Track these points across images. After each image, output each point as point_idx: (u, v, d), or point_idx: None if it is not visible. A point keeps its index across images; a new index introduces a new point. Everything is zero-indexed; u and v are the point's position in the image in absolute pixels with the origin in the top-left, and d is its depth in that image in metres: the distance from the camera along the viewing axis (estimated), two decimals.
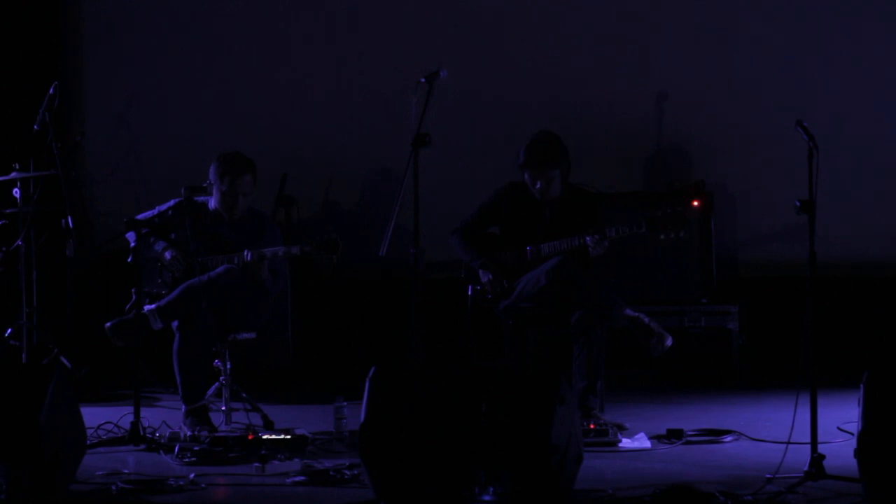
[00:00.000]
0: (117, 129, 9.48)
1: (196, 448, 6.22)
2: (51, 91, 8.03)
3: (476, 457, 5.13)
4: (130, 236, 6.85)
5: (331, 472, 5.72)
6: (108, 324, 6.81)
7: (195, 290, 6.79)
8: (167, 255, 7.04)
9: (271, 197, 8.84)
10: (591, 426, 6.46)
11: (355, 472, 5.69)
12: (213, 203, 7.16)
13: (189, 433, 6.58)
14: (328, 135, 9.35)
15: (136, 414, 6.57)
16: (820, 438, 5.62)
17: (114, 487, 5.55)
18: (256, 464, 5.88)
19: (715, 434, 6.62)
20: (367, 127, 9.24)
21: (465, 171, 8.97)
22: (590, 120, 9.00)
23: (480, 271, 7.20)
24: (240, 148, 7.27)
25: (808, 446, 5.56)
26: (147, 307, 6.83)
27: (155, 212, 7.14)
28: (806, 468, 5.49)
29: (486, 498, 5.13)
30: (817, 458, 5.50)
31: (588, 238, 6.92)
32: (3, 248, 8.23)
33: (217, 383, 7.03)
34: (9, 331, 8.26)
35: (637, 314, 6.91)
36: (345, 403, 6.74)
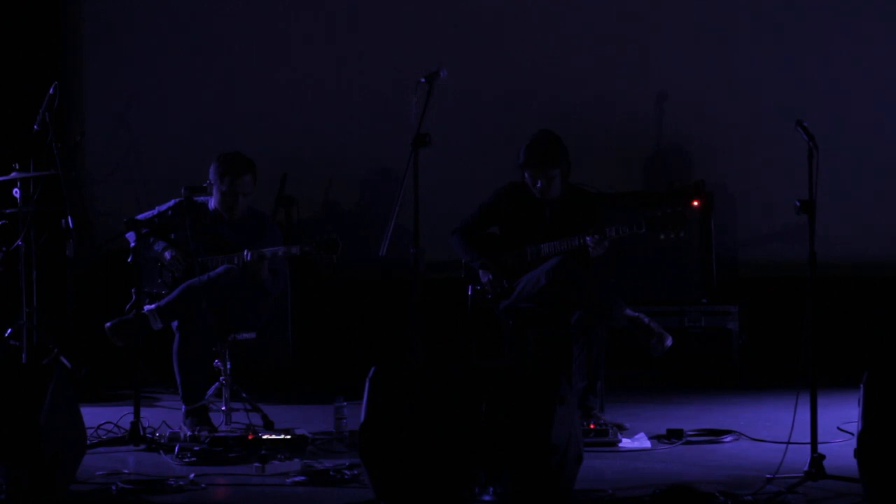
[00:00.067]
0: (117, 129, 9.48)
1: (196, 448, 6.22)
2: (51, 91, 8.03)
3: (476, 457, 5.13)
4: (130, 236, 6.85)
5: (331, 472, 5.72)
6: (108, 324, 6.81)
7: (195, 290, 6.79)
8: (167, 255, 7.05)
9: (271, 197, 8.84)
10: (591, 426, 6.46)
11: (355, 472, 5.69)
12: (212, 203, 7.16)
13: (189, 433, 6.58)
14: (328, 135, 9.35)
15: (136, 414, 6.57)
16: (820, 438, 5.62)
17: (114, 487, 5.55)
18: (256, 464, 5.88)
19: (715, 434, 6.62)
20: (367, 127, 9.24)
21: (465, 171, 8.97)
22: (590, 120, 9.00)
23: (480, 271, 7.20)
24: (240, 148, 7.27)
25: (808, 446, 5.56)
26: (147, 307, 6.83)
27: (155, 212, 7.14)
28: (806, 468, 5.49)
29: (486, 498, 5.13)
30: (817, 458, 5.50)
31: (588, 238, 6.92)
32: (3, 248, 8.23)
33: (217, 383, 7.03)
34: (9, 331, 8.26)
35: (637, 314, 6.91)
36: (345, 403, 6.74)
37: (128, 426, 6.60)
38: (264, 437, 6.44)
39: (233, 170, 7.07)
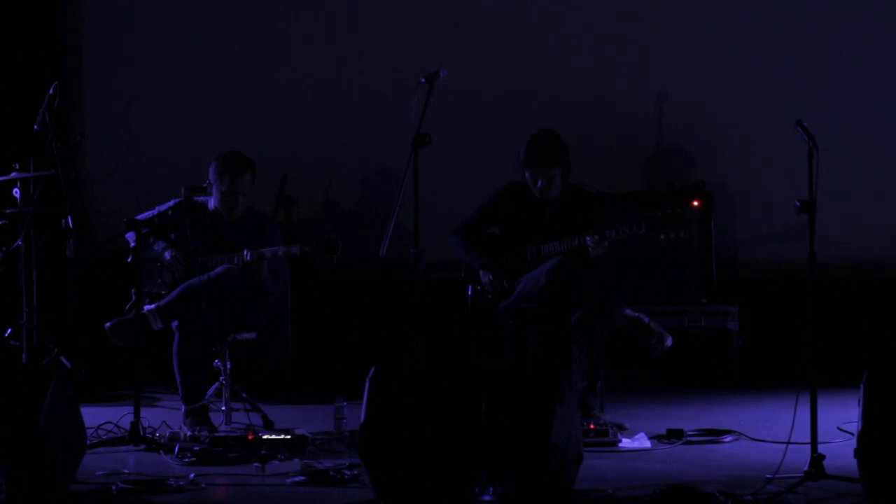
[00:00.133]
0: (117, 129, 9.48)
1: (196, 448, 6.22)
2: (51, 91, 8.03)
3: (476, 457, 5.13)
4: (130, 236, 6.85)
5: (331, 472, 5.72)
6: (107, 324, 6.81)
7: (195, 290, 6.79)
8: (167, 255, 7.05)
9: (271, 197, 8.84)
10: (591, 426, 6.46)
11: (355, 472, 5.69)
12: (212, 203, 7.16)
13: (189, 433, 6.58)
14: (328, 135, 9.35)
15: (136, 414, 6.57)
16: (820, 438, 5.62)
17: (114, 487, 5.55)
18: (256, 464, 5.88)
19: (715, 434, 6.62)
20: (367, 127, 9.24)
21: (465, 171, 8.97)
22: (590, 120, 9.00)
23: (480, 271, 7.20)
24: (240, 148, 7.27)
25: (808, 446, 5.56)
26: (147, 307, 6.82)
27: (155, 212, 7.14)
28: (806, 468, 5.49)
29: (486, 498, 5.13)
30: (817, 458, 5.50)
31: (588, 238, 6.92)
32: (3, 248, 8.23)
33: (217, 383, 7.03)
34: (9, 331, 8.26)
35: (637, 314, 6.91)
36: (345, 403, 6.74)
37: (128, 426, 6.60)
38: (264, 437, 6.44)
39: (233, 169, 7.07)
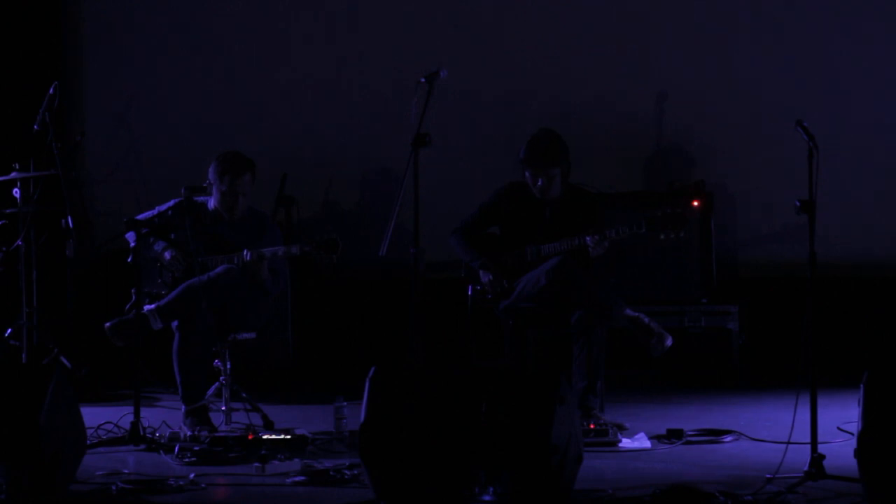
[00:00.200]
0: (117, 129, 9.48)
1: (196, 448, 6.22)
2: (51, 91, 8.03)
3: (476, 457, 5.13)
4: (130, 236, 6.85)
5: (331, 472, 5.72)
6: (107, 324, 6.81)
7: (195, 290, 6.79)
8: (167, 255, 7.05)
9: (271, 197, 8.84)
10: (591, 426, 6.46)
11: (355, 472, 5.69)
12: (212, 203, 7.16)
13: (189, 433, 6.58)
14: (328, 135, 9.35)
15: (136, 414, 6.57)
16: (820, 438, 5.62)
17: (114, 487, 5.55)
18: (256, 464, 5.88)
19: (715, 434, 6.62)
20: (367, 127, 9.24)
21: (465, 171, 8.97)
22: (590, 120, 9.00)
23: (480, 271, 7.20)
24: (240, 148, 7.27)
25: (808, 446, 5.56)
26: (147, 307, 6.82)
27: (155, 212, 7.14)
28: (806, 468, 5.49)
29: (486, 498, 5.13)
30: (817, 458, 5.50)
31: (588, 238, 6.92)
32: (3, 248, 8.23)
33: (217, 383, 7.03)
34: (9, 331, 8.26)
35: (637, 314, 6.90)
36: (345, 403, 6.74)
37: (128, 426, 6.60)
38: (264, 437, 6.44)
39: (232, 169, 7.07)
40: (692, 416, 7.19)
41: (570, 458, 5.17)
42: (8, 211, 8.23)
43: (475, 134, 9.13)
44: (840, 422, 6.51)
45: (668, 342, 6.85)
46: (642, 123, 9.11)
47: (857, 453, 5.03)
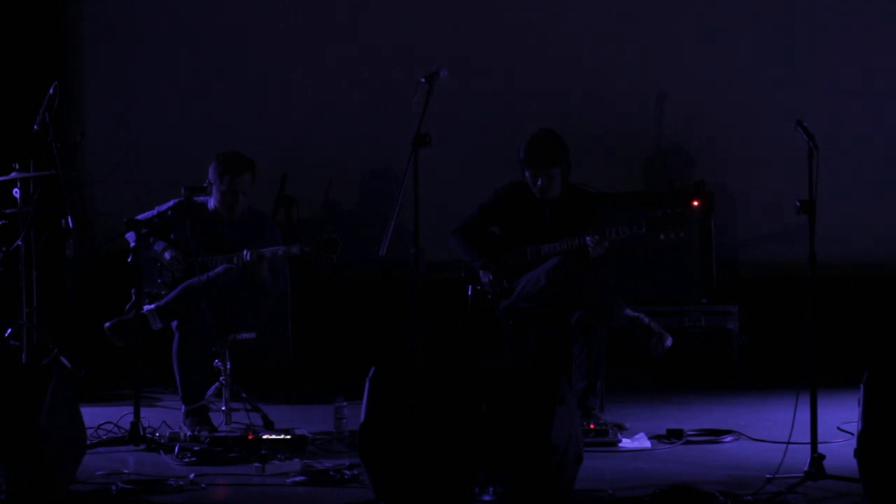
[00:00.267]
0: (117, 129, 9.48)
1: (196, 448, 6.22)
2: (51, 91, 8.04)
3: (476, 457, 5.13)
4: (130, 236, 6.85)
5: (331, 472, 5.72)
6: (107, 324, 6.81)
7: (194, 289, 6.79)
8: (167, 255, 7.05)
9: (271, 197, 8.84)
10: (591, 426, 6.46)
11: (355, 472, 5.69)
12: (212, 203, 7.16)
13: (189, 433, 6.58)
14: (328, 135, 9.35)
15: (136, 414, 6.57)
16: (820, 438, 5.62)
17: (114, 487, 5.55)
18: (256, 464, 5.88)
19: (715, 434, 6.62)
20: (367, 127, 9.24)
21: (465, 171, 8.97)
22: (590, 120, 9.00)
23: (481, 271, 7.20)
24: (240, 148, 7.27)
25: (808, 446, 5.56)
26: (146, 307, 6.82)
27: (154, 212, 7.14)
28: (806, 468, 5.49)
29: (486, 498, 5.13)
30: (817, 458, 5.50)
31: (588, 238, 6.92)
32: (3, 248, 8.23)
33: (217, 383, 7.03)
34: (9, 331, 8.26)
35: (637, 314, 6.90)
36: (345, 403, 6.74)
37: (128, 426, 6.60)
38: (264, 437, 6.44)
39: (232, 168, 7.07)
40: (692, 416, 7.19)
41: (570, 458, 5.17)
42: (8, 211, 8.23)
43: (475, 134, 9.13)
44: (840, 422, 6.51)
45: (668, 342, 6.85)
46: (642, 123, 9.11)
47: (857, 453, 5.03)
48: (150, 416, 7.03)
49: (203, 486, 5.64)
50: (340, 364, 8.86)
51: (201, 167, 7.21)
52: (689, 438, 6.52)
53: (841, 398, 6.66)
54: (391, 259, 6.52)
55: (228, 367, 7.01)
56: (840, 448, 6.05)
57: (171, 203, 7.14)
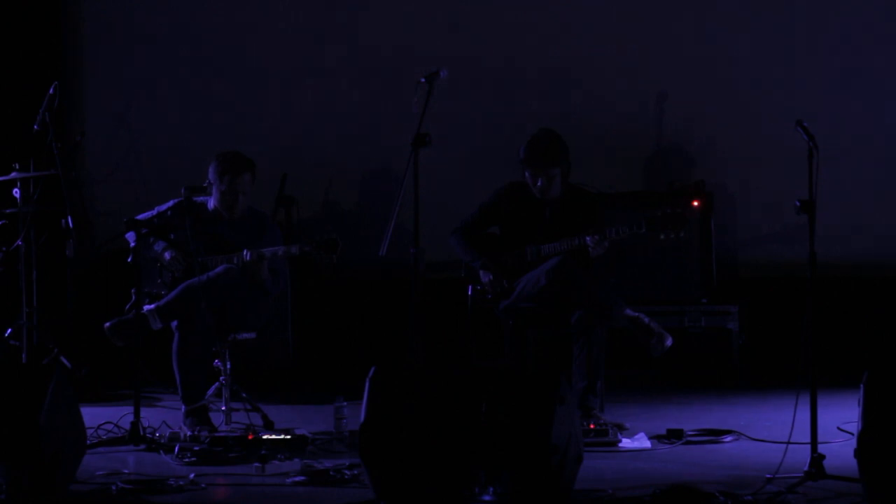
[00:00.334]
0: (117, 129, 9.48)
1: (196, 448, 6.22)
2: (51, 91, 8.03)
3: (476, 457, 5.13)
4: (130, 236, 6.85)
5: (331, 472, 5.72)
6: (107, 324, 6.81)
7: (194, 289, 6.79)
8: (166, 255, 7.04)
9: (271, 197, 8.84)
10: (591, 426, 6.46)
11: (355, 472, 5.69)
12: (212, 203, 7.16)
13: (189, 433, 6.58)
14: (328, 135, 9.35)
15: (136, 414, 6.57)
16: (820, 438, 5.62)
17: (114, 487, 5.55)
18: (256, 464, 5.89)
19: (715, 434, 6.62)
20: (367, 127, 9.24)
21: (465, 171, 8.97)
22: (590, 120, 9.00)
23: (481, 271, 7.20)
24: (240, 148, 7.27)
25: (808, 446, 5.56)
26: (146, 307, 6.82)
27: (154, 212, 7.14)
28: (806, 468, 5.49)
29: (486, 498, 5.13)
30: (817, 458, 5.50)
31: (588, 238, 6.92)
32: (3, 248, 8.23)
33: (217, 383, 7.03)
34: (9, 331, 8.26)
35: (637, 314, 6.90)
36: (345, 403, 6.74)
37: (128, 426, 6.60)
38: (264, 437, 6.44)
39: (232, 168, 7.07)
40: (692, 416, 7.19)
41: (570, 458, 5.17)
42: (8, 211, 8.23)
43: (475, 134, 9.13)
44: (840, 422, 6.51)
45: (668, 342, 6.85)
46: (642, 123, 9.11)
47: (857, 453, 5.03)
48: (150, 416, 7.03)
49: (203, 486, 5.64)
50: (340, 364, 8.86)
51: (201, 167, 7.22)
52: (689, 438, 6.52)
53: (841, 398, 6.66)
54: (391, 259, 6.52)
55: (228, 367, 7.01)
56: (840, 448, 6.05)
57: (171, 203, 7.14)
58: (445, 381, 5.32)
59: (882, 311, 8.67)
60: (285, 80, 9.39)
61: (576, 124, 8.67)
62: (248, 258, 6.92)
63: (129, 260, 6.74)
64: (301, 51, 9.38)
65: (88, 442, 5.97)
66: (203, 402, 6.90)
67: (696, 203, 8.54)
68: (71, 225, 7.96)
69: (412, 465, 5.16)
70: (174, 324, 6.91)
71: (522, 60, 9.14)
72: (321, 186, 9.37)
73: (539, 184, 7.11)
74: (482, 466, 5.13)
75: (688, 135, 9.11)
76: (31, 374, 5.52)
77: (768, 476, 5.48)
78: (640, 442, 6.47)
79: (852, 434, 5.92)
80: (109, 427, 6.78)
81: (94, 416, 6.77)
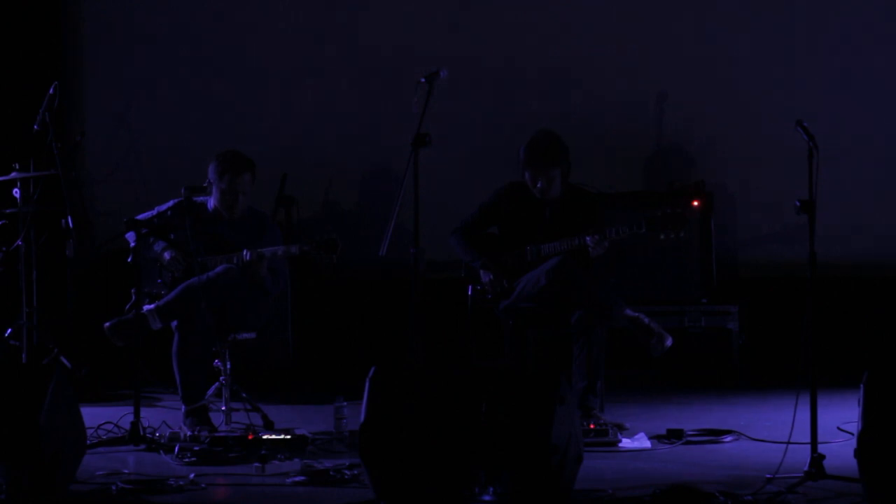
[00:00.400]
0: (117, 129, 9.48)
1: (196, 448, 6.22)
2: (51, 91, 8.04)
3: (476, 457, 5.13)
4: (130, 236, 6.85)
5: (331, 472, 5.72)
6: (107, 324, 6.81)
7: (194, 289, 6.79)
8: (166, 255, 7.04)
9: (271, 197, 8.84)
10: (591, 426, 6.46)
11: (355, 472, 5.69)
12: (212, 203, 7.16)
13: (189, 433, 6.58)
14: (328, 135, 9.35)
15: (136, 414, 6.57)
16: (820, 438, 5.62)
17: (114, 487, 5.55)
18: (256, 464, 5.89)
19: (715, 434, 6.62)
20: (367, 127, 9.24)
21: (465, 171, 8.97)
22: (590, 120, 9.00)
23: (481, 271, 7.20)
24: (240, 148, 7.27)
25: (808, 446, 5.56)
26: (146, 307, 6.82)
27: (154, 212, 7.14)
28: (806, 468, 5.49)
29: (486, 498, 5.13)
30: (817, 458, 5.50)
31: (588, 238, 6.92)
32: (3, 248, 8.22)
33: (217, 383, 7.03)
34: (9, 331, 8.26)
35: (637, 314, 6.90)
36: (345, 403, 6.74)
37: (128, 426, 6.60)
38: (264, 437, 6.44)
39: (233, 168, 7.07)
40: (692, 416, 7.19)
41: (570, 458, 5.17)
42: (8, 211, 8.23)
43: (475, 134, 9.13)
44: (840, 422, 6.51)
45: (668, 342, 6.85)
46: (642, 123, 9.11)
47: (857, 453, 5.03)
48: (150, 416, 7.03)
49: (203, 486, 5.64)
50: (340, 364, 8.86)
51: (201, 167, 7.21)
52: (689, 438, 6.52)
53: (841, 398, 6.66)
54: (391, 259, 6.52)
55: (228, 367, 7.01)
56: (840, 448, 6.05)
57: (171, 203, 7.14)
58: (445, 381, 5.32)
59: (882, 311, 8.67)
60: (285, 80, 9.39)
61: (576, 124, 8.67)
62: (247, 258, 6.92)
63: (129, 260, 6.75)
64: (301, 51, 9.38)
65: (88, 442, 5.97)
66: (203, 402, 6.90)
67: (696, 203, 8.54)
68: (71, 225, 7.96)
69: (412, 465, 5.16)
70: (174, 324, 6.91)
71: (522, 60, 9.14)
72: (321, 186, 9.37)
73: (539, 185, 7.11)
74: (482, 466, 5.13)
75: (688, 135, 9.11)
76: (31, 374, 5.52)
77: (768, 476, 5.48)
78: (640, 442, 6.47)
79: (852, 434, 5.92)
80: (109, 427, 6.78)
81: (94, 416, 6.77)
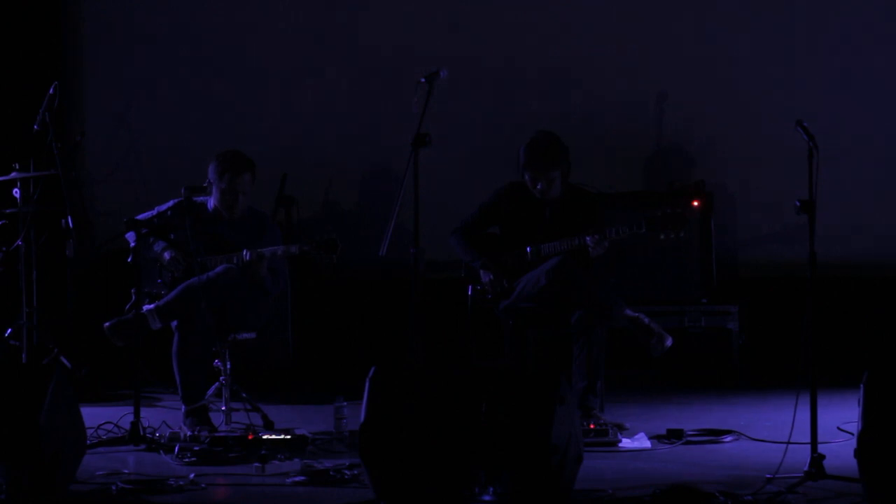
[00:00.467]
0: (117, 129, 9.48)
1: (196, 448, 6.23)
2: (51, 91, 8.04)
3: (476, 457, 5.13)
4: (130, 236, 6.85)
5: (331, 472, 5.72)
6: (107, 324, 6.81)
7: (194, 289, 6.79)
8: (166, 255, 7.04)
9: (271, 197, 8.84)
10: (591, 426, 6.46)
11: (355, 472, 5.69)
12: (212, 203, 7.16)
13: (189, 433, 6.58)
14: (328, 135, 9.35)
15: (136, 414, 6.57)
16: (820, 438, 5.62)
17: (114, 487, 5.55)
18: (256, 464, 5.89)
19: (715, 434, 6.62)
20: (367, 127, 9.24)
21: (465, 171, 8.97)
22: (590, 120, 9.00)
23: (481, 271, 7.20)
24: (240, 148, 7.27)
25: (808, 446, 5.56)
26: (146, 307, 6.82)
27: (154, 212, 7.14)
28: (806, 468, 5.49)
29: (486, 498, 5.13)
30: (817, 458, 5.50)
31: (588, 238, 6.92)
32: (3, 248, 8.22)
33: (217, 383, 7.03)
34: (9, 331, 8.26)
35: (637, 314, 6.90)
36: (345, 403, 6.74)
37: (128, 426, 6.60)
38: (264, 437, 6.44)
39: (233, 168, 7.07)
40: (692, 416, 7.19)
41: (570, 458, 5.17)
42: (8, 211, 8.23)
43: (475, 134, 9.13)
44: (840, 422, 6.51)
45: (668, 342, 6.85)
46: (642, 123, 9.11)
47: (857, 453, 5.03)
48: (150, 416, 7.03)
49: (203, 486, 5.64)
50: (340, 364, 8.86)
51: (201, 167, 7.21)
52: (689, 438, 6.52)
53: (841, 398, 6.66)
54: (391, 259, 6.52)
55: (228, 367, 7.01)
56: (840, 448, 6.05)
57: (171, 203, 7.14)
58: (445, 381, 5.32)
59: (882, 311, 8.67)
60: (285, 80, 9.39)
61: (576, 124, 8.68)
62: (247, 258, 6.92)
63: (129, 260, 6.75)
64: (301, 51, 9.37)
65: (88, 442, 5.97)
66: (203, 402, 6.90)
67: (696, 203, 8.54)
68: (71, 225, 7.96)
69: (412, 465, 5.16)
70: (174, 324, 6.91)
71: (522, 60, 9.14)
72: (321, 186, 9.37)
73: (539, 187, 7.11)
74: (482, 466, 5.13)
75: (688, 135, 9.11)
76: (31, 374, 5.52)
77: (768, 476, 5.48)
78: (640, 442, 6.47)
79: (852, 434, 5.92)
80: (109, 427, 6.78)
81: (94, 416, 6.77)
